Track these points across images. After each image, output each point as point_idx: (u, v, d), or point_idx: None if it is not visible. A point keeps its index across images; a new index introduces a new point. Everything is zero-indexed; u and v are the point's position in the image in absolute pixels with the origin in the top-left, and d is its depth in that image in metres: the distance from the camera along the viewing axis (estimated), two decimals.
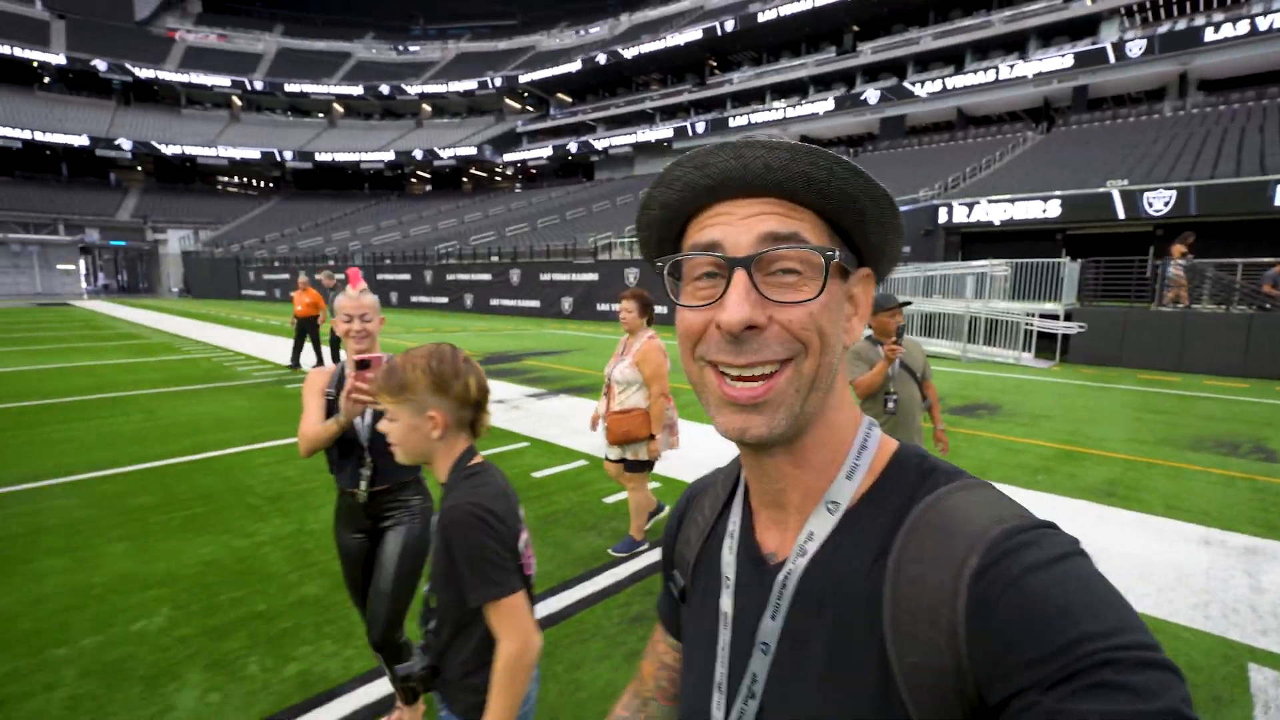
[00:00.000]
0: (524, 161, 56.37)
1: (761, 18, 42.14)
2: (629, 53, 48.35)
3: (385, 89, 61.19)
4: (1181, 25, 29.87)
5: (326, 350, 11.64)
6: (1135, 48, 30.02)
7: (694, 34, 44.91)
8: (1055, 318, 12.59)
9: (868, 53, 40.17)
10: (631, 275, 22.15)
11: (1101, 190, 16.77)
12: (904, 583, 0.49)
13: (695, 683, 0.64)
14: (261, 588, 3.48)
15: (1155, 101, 31.73)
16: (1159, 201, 15.79)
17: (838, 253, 0.54)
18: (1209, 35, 28.11)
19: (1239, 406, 8.38)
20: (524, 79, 54.84)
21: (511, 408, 8.17)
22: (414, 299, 31.93)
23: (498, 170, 62.02)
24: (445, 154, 55.82)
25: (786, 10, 41.22)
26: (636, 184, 44.74)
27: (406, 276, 32.35)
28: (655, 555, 3.96)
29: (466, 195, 59.91)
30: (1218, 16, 29.04)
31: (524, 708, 1.35)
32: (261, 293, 39.65)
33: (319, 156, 57.58)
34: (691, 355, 0.57)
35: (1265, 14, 26.82)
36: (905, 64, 39.14)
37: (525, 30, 66.65)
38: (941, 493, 0.52)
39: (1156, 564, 3.82)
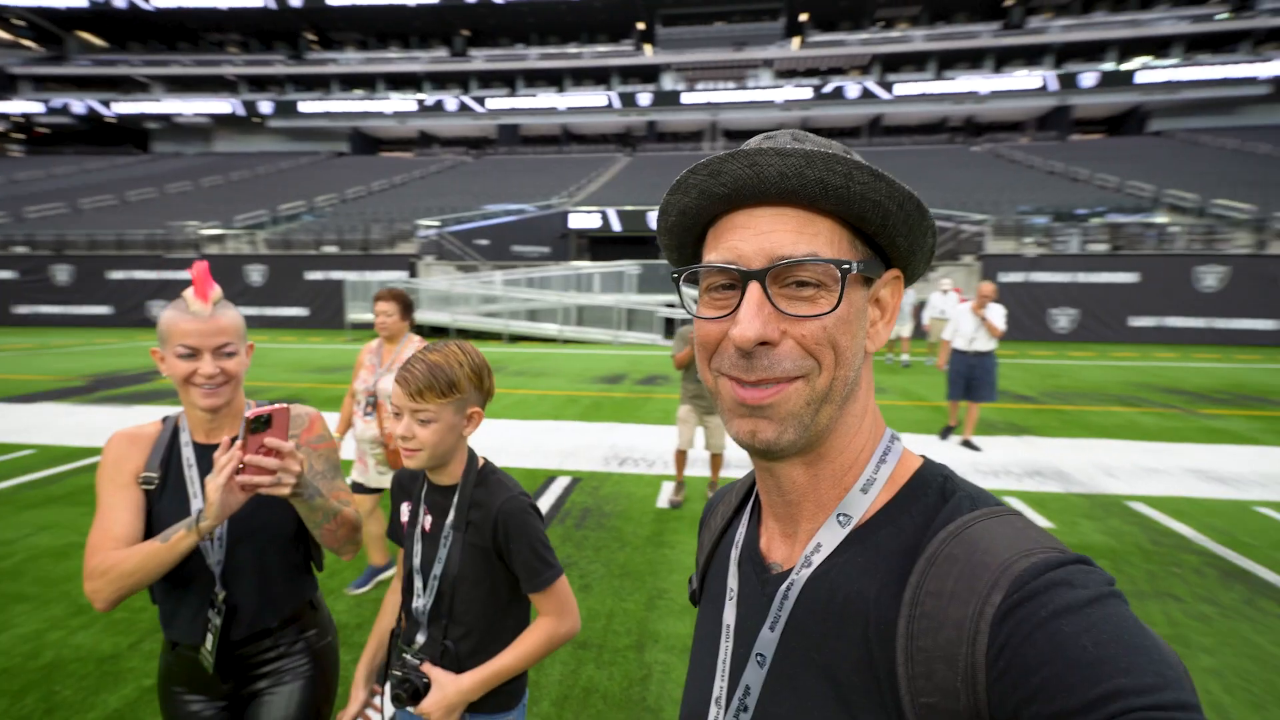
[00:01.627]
0: (28, 117, 41.33)
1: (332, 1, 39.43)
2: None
3: None
4: (718, 87, 39.74)
5: None
6: (685, 98, 39.01)
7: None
8: (672, 306, 16.12)
9: (480, 60, 41.95)
10: (256, 273, 19.08)
11: None
12: (921, 617, 0.46)
13: (694, 695, 0.63)
14: None
15: (698, 140, 41.80)
16: None
17: (855, 265, 0.52)
18: (729, 98, 38.46)
19: None
20: (20, 3, 40.00)
21: None
22: None
23: None
24: None
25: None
26: (222, 163, 37.56)
27: None
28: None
29: None
30: (733, 85, 39.73)
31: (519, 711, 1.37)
32: None
33: None
34: (709, 365, 0.56)
35: (766, 88, 38.05)
36: (515, 77, 42.24)
37: None
38: (965, 520, 0.49)
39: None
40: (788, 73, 40.59)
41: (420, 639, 1.33)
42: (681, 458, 4.61)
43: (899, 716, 0.46)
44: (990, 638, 0.43)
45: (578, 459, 5.76)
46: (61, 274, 19.76)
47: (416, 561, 1.35)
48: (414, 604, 1.35)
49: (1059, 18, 37.65)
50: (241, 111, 40.44)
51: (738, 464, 5.47)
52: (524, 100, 40.49)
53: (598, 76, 42.02)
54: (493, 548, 1.31)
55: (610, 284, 16.64)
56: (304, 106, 40.64)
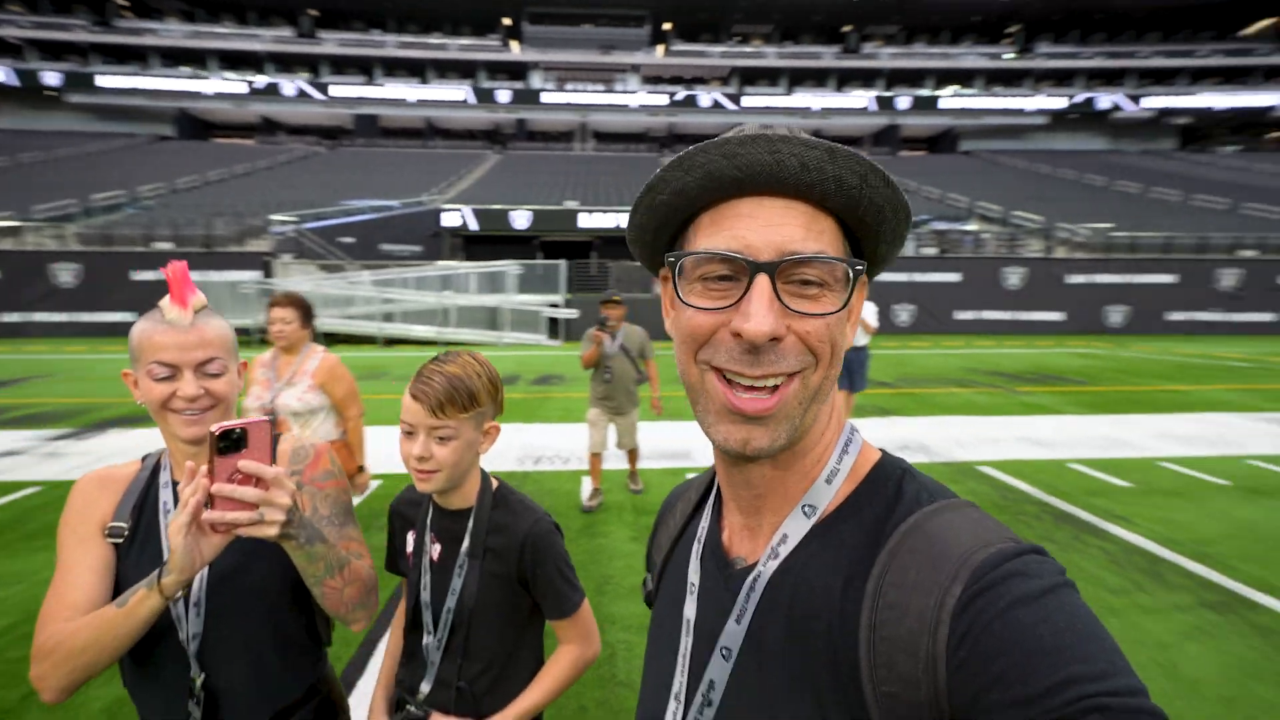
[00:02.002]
0: None
1: None
2: None
3: None
4: (586, 89, 39.98)
5: None
6: (547, 97, 38.89)
7: None
8: (556, 306, 16.15)
9: (332, 43, 38.98)
10: (66, 273, 16.42)
11: (565, 207, 21.94)
12: (883, 608, 0.47)
13: (652, 692, 0.63)
14: None
15: (569, 141, 41.86)
16: (598, 217, 21.83)
17: (861, 264, 0.51)
18: (592, 100, 38.92)
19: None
20: None
21: (45, 457, 5.85)
22: None
23: None
24: None
25: None
26: (4, 142, 31.67)
27: None
28: None
29: None
30: (601, 88, 40.21)
31: None
32: None
33: None
34: (694, 358, 0.53)
35: (634, 92, 38.84)
36: (372, 65, 39.72)
37: None
38: (925, 513, 0.50)
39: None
40: (654, 79, 41.87)
41: (426, 686, 1.20)
42: (596, 460, 4.60)
43: (862, 707, 0.46)
44: (951, 628, 0.44)
45: (491, 461, 5.71)
46: None
47: (426, 595, 1.22)
48: (424, 641, 1.22)
49: (887, 45, 42.27)
50: (15, 81, 34.31)
51: (650, 455, 5.72)
52: (379, 90, 38.22)
53: (463, 70, 40.67)
54: (516, 575, 1.21)
55: (488, 284, 16.31)
56: (106, 81, 35.33)
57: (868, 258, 0.57)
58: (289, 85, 37.07)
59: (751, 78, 41.34)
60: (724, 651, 0.55)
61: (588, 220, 21.90)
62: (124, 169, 27.25)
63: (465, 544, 1.21)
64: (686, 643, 0.59)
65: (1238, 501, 4.66)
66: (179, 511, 0.84)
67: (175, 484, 1.08)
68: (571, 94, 38.98)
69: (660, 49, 41.55)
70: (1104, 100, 38.36)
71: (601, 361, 4.47)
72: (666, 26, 41.74)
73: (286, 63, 39.00)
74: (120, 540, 1.03)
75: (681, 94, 39.07)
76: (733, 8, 39.93)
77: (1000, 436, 6.63)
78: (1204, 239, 20.09)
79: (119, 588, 1.00)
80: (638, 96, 39.00)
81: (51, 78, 34.91)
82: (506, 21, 41.28)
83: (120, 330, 16.49)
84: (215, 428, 0.83)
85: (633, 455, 4.82)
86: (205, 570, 1.02)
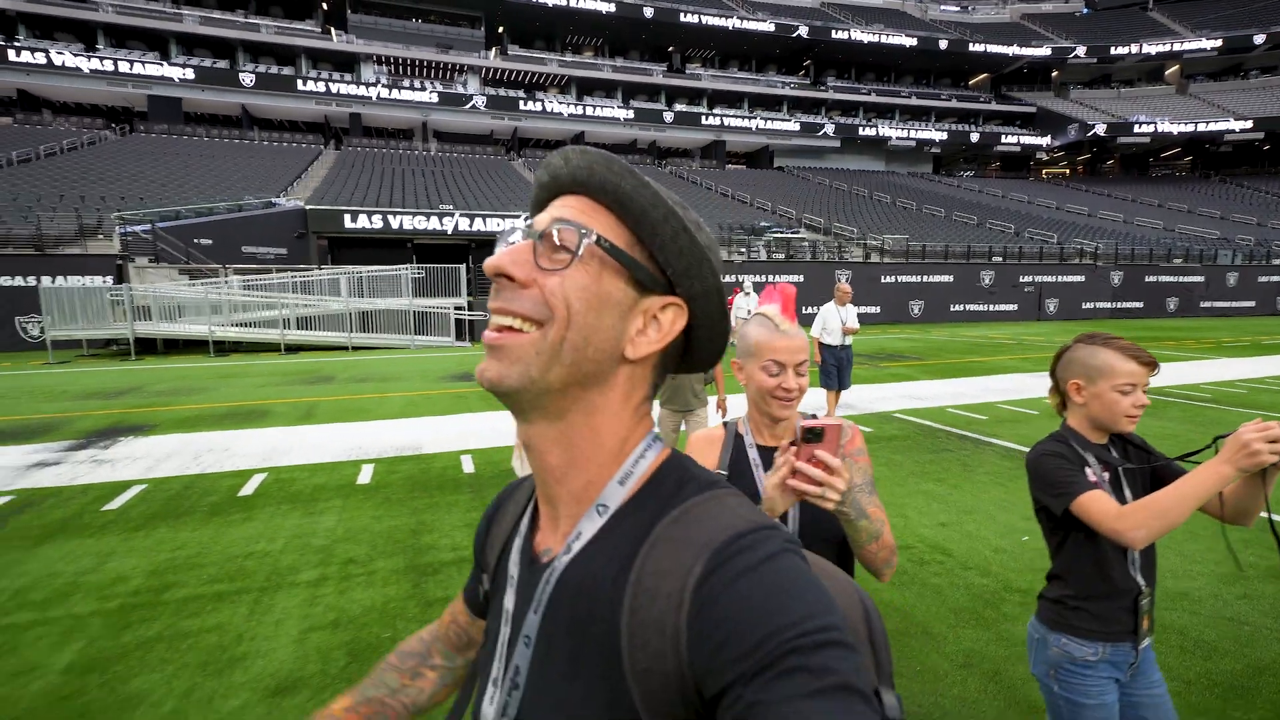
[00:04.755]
0: None
1: None
2: None
3: None
4: (421, 88, 38.78)
5: None
6: (385, 92, 37.27)
7: None
8: (462, 308, 16.56)
9: (111, 11, 33.45)
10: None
11: (443, 211, 21.97)
12: (641, 593, 0.51)
13: (483, 680, 0.65)
14: None
15: (410, 139, 40.40)
16: (472, 221, 22.18)
17: (596, 235, 0.56)
18: (433, 99, 38.12)
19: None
20: None
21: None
22: None
23: None
24: None
25: None
26: None
27: None
28: None
29: None
30: (440, 86, 39.38)
31: None
32: None
33: None
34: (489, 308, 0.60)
35: (473, 94, 38.54)
36: (168, 40, 34.81)
37: None
38: (688, 505, 0.55)
39: None
40: (494, 81, 41.95)
41: None
42: None
43: (623, 686, 0.51)
44: (691, 603, 0.49)
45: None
46: None
47: None
48: None
49: (708, 68, 46.83)
50: None
51: None
52: (177, 70, 33.70)
53: (280, 55, 37.25)
54: None
55: (385, 287, 16.20)
56: None
57: (669, 272, 0.60)
58: (56, 56, 31.23)
59: (588, 88, 43.25)
60: (525, 639, 0.58)
61: (464, 225, 22.17)
62: None
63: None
64: (505, 632, 0.62)
65: (1049, 424, 7.41)
66: (773, 472, 1.13)
67: (757, 446, 1.50)
68: (411, 92, 37.68)
69: (494, 52, 41.72)
70: (883, 129, 46.42)
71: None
72: (500, 30, 42.03)
73: (50, 28, 32.77)
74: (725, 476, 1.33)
75: (532, 102, 39.71)
76: (566, 18, 41.50)
77: (894, 395, 9.13)
78: (968, 247, 26.19)
79: None
80: (481, 99, 38.89)
81: None
82: (324, 6, 38.59)
83: None
84: (805, 423, 1.09)
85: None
86: (795, 520, 1.39)
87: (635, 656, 0.50)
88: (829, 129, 45.20)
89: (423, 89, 38.07)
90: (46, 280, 13.95)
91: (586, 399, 0.59)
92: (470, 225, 22.26)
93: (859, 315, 7.93)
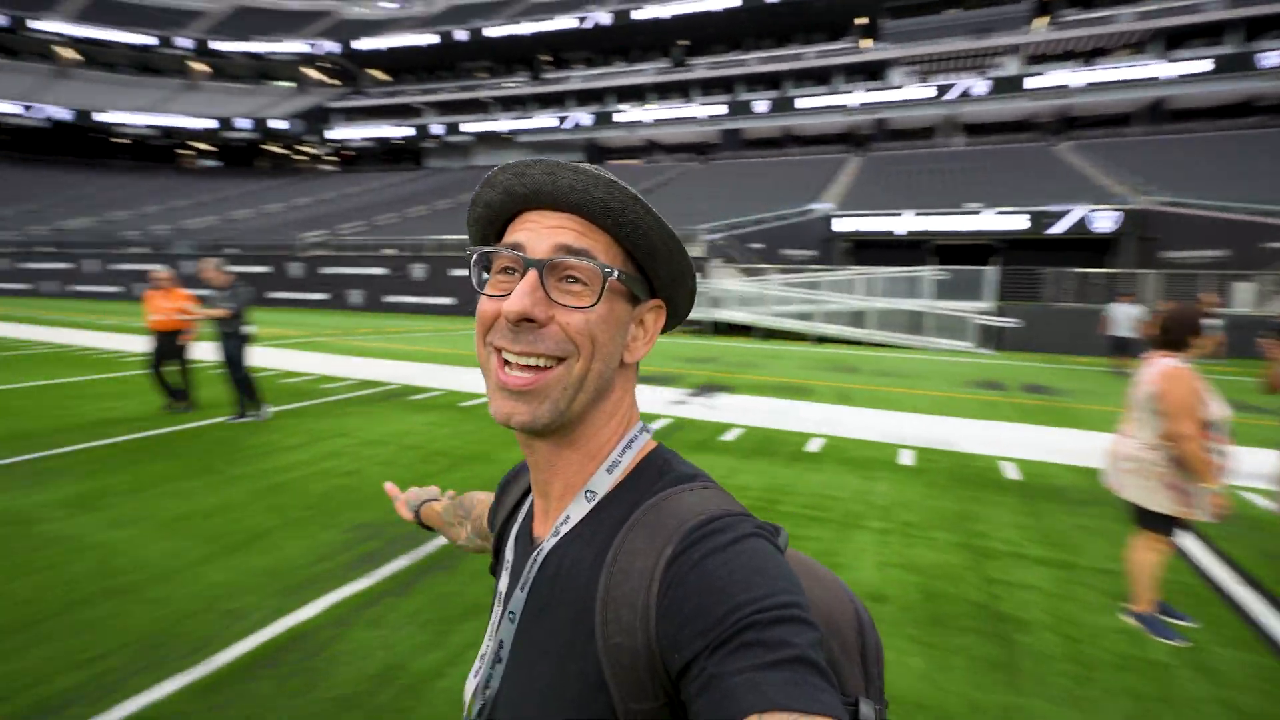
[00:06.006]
0: (343, 142, 50.41)
1: (591, 23, 43.08)
2: (460, 34, 46.02)
3: (149, 38, 49.81)
4: (953, 80, 37.52)
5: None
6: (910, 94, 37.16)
7: (530, 27, 44.36)
8: (989, 313, 15.72)
9: (702, 68, 43.39)
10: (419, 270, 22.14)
11: (969, 209, 21.15)
12: (617, 573, 0.54)
13: (477, 660, 0.67)
14: None
15: (930, 137, 39.62)
16: (1003, 220, 20.45)
17: (617, 271, 0.58)
18: (956, 95, 36.07)
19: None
20: (358, 46, 48.41)
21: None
22: (274, 294, 27.39)
23: (302, 150, 54.42)
24: (242, 124, 47.63)
25: (606, 20, 42.72)
26: (475, 176, 42.86)
27: (265, 269, 27.61)
28: None
29: (265, 175, 51.70)
30: (969, 77, 37.17)
31: None
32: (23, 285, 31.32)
33: (56, 113, 45.32)
34: (484, 340, 0.60)
35: (1016, 78, 35.24)
36: (734, 82, 43.04)
37: None
38: (666, 493, 0.58)
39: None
40: (1037, 58, 37.09)
41: None
42: None
43: (595, 660, 0.53)
44: (660, 582, 0.51)
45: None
46: (418, 271, 24.44)
47: None
48: None
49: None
50: (496, 129, 45.74)
51: None
52: (747, 102, 41.17)
53: (818, 76, 41.48)
54: None
55: (903, 289, 16.64)
56: (583, 120, 44.96)
57: (654, 282, 0.64)
58: (669, 111, 42.48)
59: (1179, 39, 33.76)
60: (510, 615, 0.62)
61: (984, 223, 20.68)
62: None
63: None
64: (497, 611, 0.67)
65: None
66: None
67: None
68: (928, 87, 36.72)
69: (1044, 22, 36.55)
70: None
71: None
72: None
73: (664, 90, 44.76)
74: None
75: (1083, 71, 33.79)
76: None
77: None
78: None
79: None
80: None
81: (504, 125, 45.70)
82: (861, 21, 40.77)
83: (444, 311, 23.51)
84: None
85: None
86: None
87: (608, 631, 0.53)
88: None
89: (948, 87, 36.69)
90: None
91: (593, 408, 0.62)
92: (998, 224, 20.59)
93: None
